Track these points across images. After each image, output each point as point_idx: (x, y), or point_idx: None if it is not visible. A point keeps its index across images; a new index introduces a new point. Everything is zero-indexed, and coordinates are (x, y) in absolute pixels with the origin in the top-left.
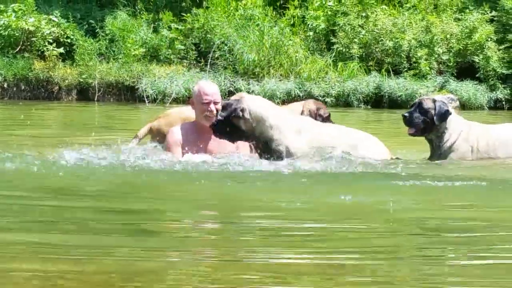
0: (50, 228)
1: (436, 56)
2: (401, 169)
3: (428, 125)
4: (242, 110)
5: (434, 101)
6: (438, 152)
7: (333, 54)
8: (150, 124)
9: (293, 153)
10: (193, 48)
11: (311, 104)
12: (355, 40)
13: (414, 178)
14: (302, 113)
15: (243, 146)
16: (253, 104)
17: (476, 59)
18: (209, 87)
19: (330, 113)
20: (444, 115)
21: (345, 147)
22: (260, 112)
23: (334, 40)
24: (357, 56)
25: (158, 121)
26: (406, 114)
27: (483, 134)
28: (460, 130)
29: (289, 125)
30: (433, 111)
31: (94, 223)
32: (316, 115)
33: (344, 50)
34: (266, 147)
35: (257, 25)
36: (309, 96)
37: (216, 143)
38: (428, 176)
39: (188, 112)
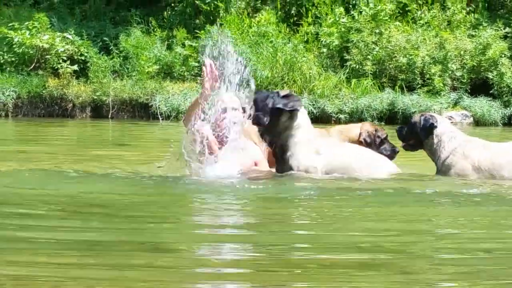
0: (63, 248)
1: (450, 72)
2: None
3: (417, 140)
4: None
5: (421, 115)
6: (437, 168)
7: (347, 70)
8: None
9: (304, 170)
10: None
11: (368, 126)
12: (369, 57)
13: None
14: (360, 135)
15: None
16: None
17: (490, 75)
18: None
19: (387, 134)
20: (428, 129)
21: (363, 166)
22: (299, 119)
23: (347, 57)
24: (370, 73)
25: None
26: (398, 129)
27: (486, 151)
28: (454, 147)
29: (311, 144)
30: (419, 125)
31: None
32: (374, 137)
33: (357, 66)
34: (280, 155)
35: (271, 42)
36: (323, 112)
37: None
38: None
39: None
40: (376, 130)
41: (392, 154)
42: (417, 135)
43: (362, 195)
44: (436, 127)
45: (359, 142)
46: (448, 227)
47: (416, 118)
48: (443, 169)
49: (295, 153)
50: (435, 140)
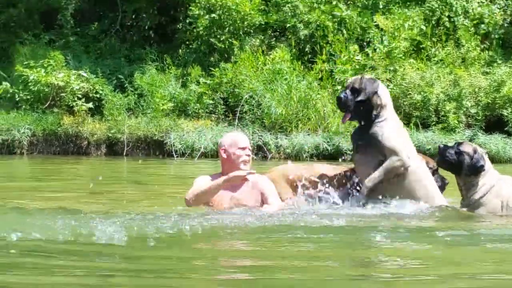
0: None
1: (465, 109)
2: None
3: (457, 167)
4: (377, 91)
5: (475, 150)
6: (466, 202)
7: None
8: None
9: (391, 140)
10: (221, 102)
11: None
12: None
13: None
14: None
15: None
16: (383, 88)
17: (504, 112)
18: (241, 134)
19: (437, 166)
20: (476, 170)
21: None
22: (385, 97)
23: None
24: None
25: (266, 175)
26: (441, 146)
27: None
28: (491, 185)
29: (396, 121)
30: (467, 158)
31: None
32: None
33: None
34: (367, 130)
35: (285, 79)
36: (338, 150)
37: (243, 194)
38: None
39: (291, 170)
40: (427, 162)
41: (442, 186)
42: (460, 165)
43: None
44: (484, 169)
45: None
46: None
47: (466, 148)
48: (475, 205)
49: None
50: (477, 179)
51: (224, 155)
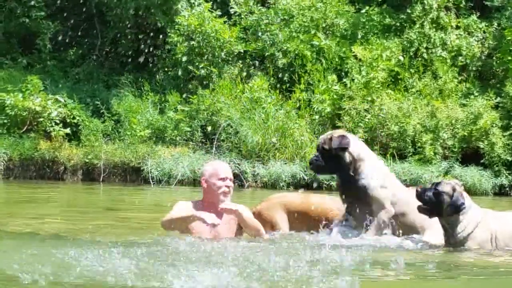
0: None
1: (441, 141)
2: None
3: (438, 208)
4: (348, 148)
5: (453, 189)
6: (453, 239)
7: None
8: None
9: (378, 188)
10: (199, 129)
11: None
12: (360, 124)
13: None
14: None
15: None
16: (355, 143)
17: (481, 145)
18: (222, 164)
19: None
20: (457, 208)
21: (415, 212)
22: (360, 150)
23: (339, 123)
24: (362, 140)
25: (260, 205)
26: (419, 189)
27: (503, 223)
28: (478, 221)
29: (380, 170)
30: (447, 198)
31: None
32: None
33: None
34: (353, 184)
35: (263, 107)
36: (314, 179)
37: (223, 225)
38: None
39: (290, 198)
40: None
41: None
42: (440, 206)
43: None
44: (464, 208)
45: None
46: None
47: (445, 187)
48: (463, 241)
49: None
50: (461, 218)
51: (205, 185)
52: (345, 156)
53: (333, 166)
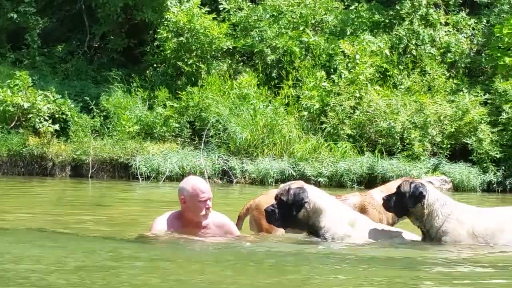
0: None
1: (430, 137)
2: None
3: (403, 207)
4: (307, 202)
5: (411, 183)
6: (429, 237)
7: (324, 134)
8: (249, 203)
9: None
10: (188, 126)
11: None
12: (345, 120)
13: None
14: None
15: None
16: (314, 195)
17: (469, 141)
18: (203, 184)
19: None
20: (417, 198)
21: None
22: (319, 203)
23: (324, 120)
24: (348, 136)
25: (259, 197)
26: (385, 198)
27: (480, 218)
28: (448, 213)
29: (344, 218)
30: (407, 194)
31: None
32: None
33: (332, 130)
34: (316, 236)
35: (252, 104)
36: (303, 176)
37: (210, 231)
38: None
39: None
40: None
41: None
42: (405, 203)
43: None
44: (424, 196)
45: None
46: None
47: (405, 187)
48: (437, 236)
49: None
50: (426, 210)
51: (183, 205)
52: (302, 210)
53: (291, 219)
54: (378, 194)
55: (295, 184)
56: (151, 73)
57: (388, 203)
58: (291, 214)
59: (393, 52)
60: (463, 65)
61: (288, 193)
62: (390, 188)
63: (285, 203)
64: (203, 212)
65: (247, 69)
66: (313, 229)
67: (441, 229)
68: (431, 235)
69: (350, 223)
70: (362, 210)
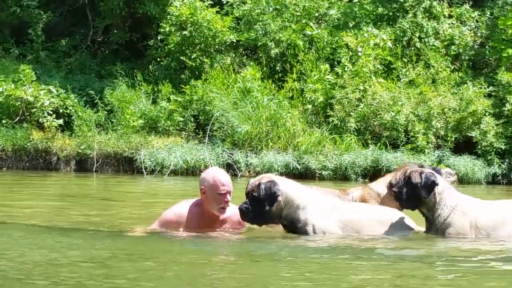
0: None
1: (434, 130)
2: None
3: (417, 198)
4: (279, 195)
5: (421, 173)
6: (434, 227)
7: (330, 126)
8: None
9: (320, 232)
10: (192, 120)
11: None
12: (352, 113)
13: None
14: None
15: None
16: (285, 187)
17: (473, 133)
18: (224, 176)
19: None
20: (430, 187)
21: (374, 224)
22: (291, 194)
23: (331, 113)
24: (354, 129)
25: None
26: (396, 190)
27: (484, 210)
28: (455, 204)
29: (317, 205)
30: (419, 184)
31: None
32: None
33: (340, 123)
34: (293, 227)
35: (256, 97)
36: (307, 169)
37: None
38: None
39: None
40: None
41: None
42: (418, 195)
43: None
44: (437, 184)
45: None
46: None
47: (416, 178)
48: (442, 227)
49: (305, 219)
50: (437, 198)
51: (203, 196)
52: (274, 206)
53: (266, 215)
54: (377, 185)
55: (264, 179)
56: (155, 67)
57: (400, 196)
58: (265, 209)
59: (397, 45)
60: (467, 58)
61: (259, 189)
62: (387, 180)
63: (257, 199)
64: (221, 205)
65: (251, 63)
66: (288, 221)
67: (447, 220)
68: (437, 225)
69: (329, 211)
70: (363, 202)
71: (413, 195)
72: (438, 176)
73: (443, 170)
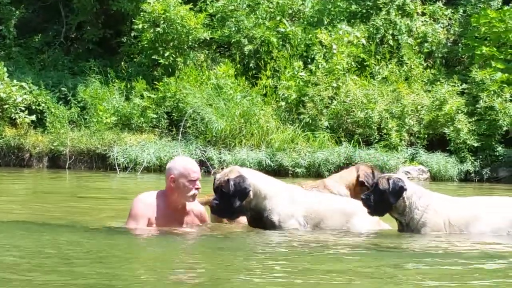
0: None
1: (407, 127)
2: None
3: (386, 205)
4: (250, 190)
5: (388, 179)
6: (409, 229)
7: (302, 124)
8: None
9: (286, 220)
10: (165, 116)
11: (365, 168)
12: (324, 111)
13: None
14: (358, 177)
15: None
16: (253, 179)
17: (446, 131)
18: (194, 164)
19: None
20: (398, 192)
21: (339, 215)
22: (258, 185)
23: (302, 110)
24: (326, 127)
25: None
26: (363, 197)
27: (456, 207)
28: (426, 204)
29: (283, 194)
30: (387, 190)
31: None
32: (374, 177)
33: (311, 121)
34: (259, 218)
35: (229, 94)
36: (280, 166)
37: (190, 218)
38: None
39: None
40: (372, 171)
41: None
42: (387, 201)
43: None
44: (406, 189)
45: (359, 183)
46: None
47: (383, 184)
48: (417, 228)
49: (271, 208)
50: (407, 203)
51: (172, 184)
52: (244, 199)
53: (237, 209)
54: (332, 183)
55: (233, 173)
56: (128, 63)
57: (368, 203)
58: (235, 205)
59: (371, 42)
60: (440, 55)
61: (228, 184)
62: (342, 176)
63: (227, 195)
64: (192, 193)
65: (225, 60)
66: (256, 212)
67: (420, 220)
68: (411, 227)
69: (294, 200)
70: None
71: (381, 201)
72: (406, 181)
73: (416, 167)
